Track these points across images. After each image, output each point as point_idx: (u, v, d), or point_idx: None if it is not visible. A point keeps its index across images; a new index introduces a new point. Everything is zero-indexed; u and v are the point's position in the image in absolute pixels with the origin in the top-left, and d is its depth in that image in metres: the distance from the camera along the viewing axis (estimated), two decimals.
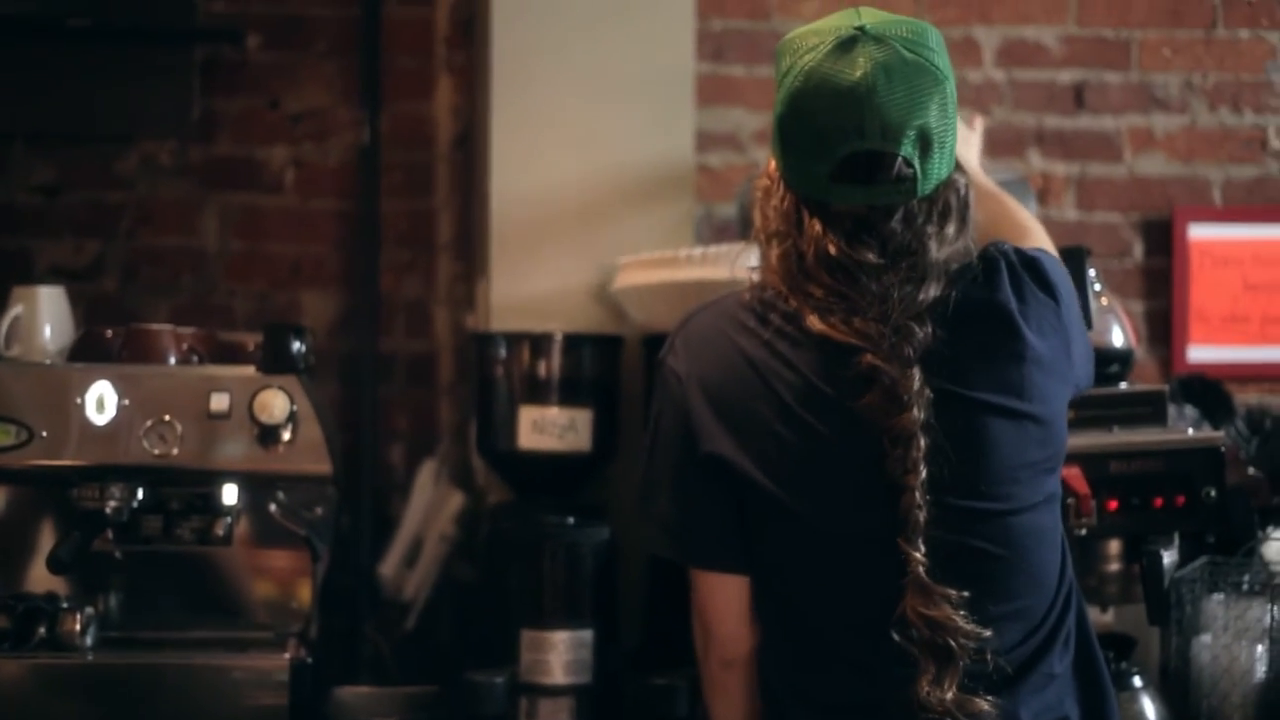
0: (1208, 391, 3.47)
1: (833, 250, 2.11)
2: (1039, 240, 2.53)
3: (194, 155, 3.90)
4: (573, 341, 3.29)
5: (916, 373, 2.06)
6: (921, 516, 2.04)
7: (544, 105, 3.50)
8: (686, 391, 2.18)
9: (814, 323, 2.11)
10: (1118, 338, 3.05)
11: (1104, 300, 3.06)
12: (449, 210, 3.93)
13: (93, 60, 3.81)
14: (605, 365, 3.33)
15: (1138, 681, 2.89)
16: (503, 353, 3.29)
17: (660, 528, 2.24)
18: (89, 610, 2.85)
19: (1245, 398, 3.79)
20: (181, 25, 3.85)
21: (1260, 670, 2.85)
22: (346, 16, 3.91)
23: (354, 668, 3.61)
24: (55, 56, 3.80)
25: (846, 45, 2.09)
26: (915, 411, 2.04)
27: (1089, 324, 2.92)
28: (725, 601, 2.23)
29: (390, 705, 3.22)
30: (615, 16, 3.52)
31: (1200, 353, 3.91)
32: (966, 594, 2.04)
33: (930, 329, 2.08)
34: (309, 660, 2.83)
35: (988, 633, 2.05)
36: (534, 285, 3.47)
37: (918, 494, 2.04)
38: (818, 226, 2.12)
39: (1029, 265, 2.20)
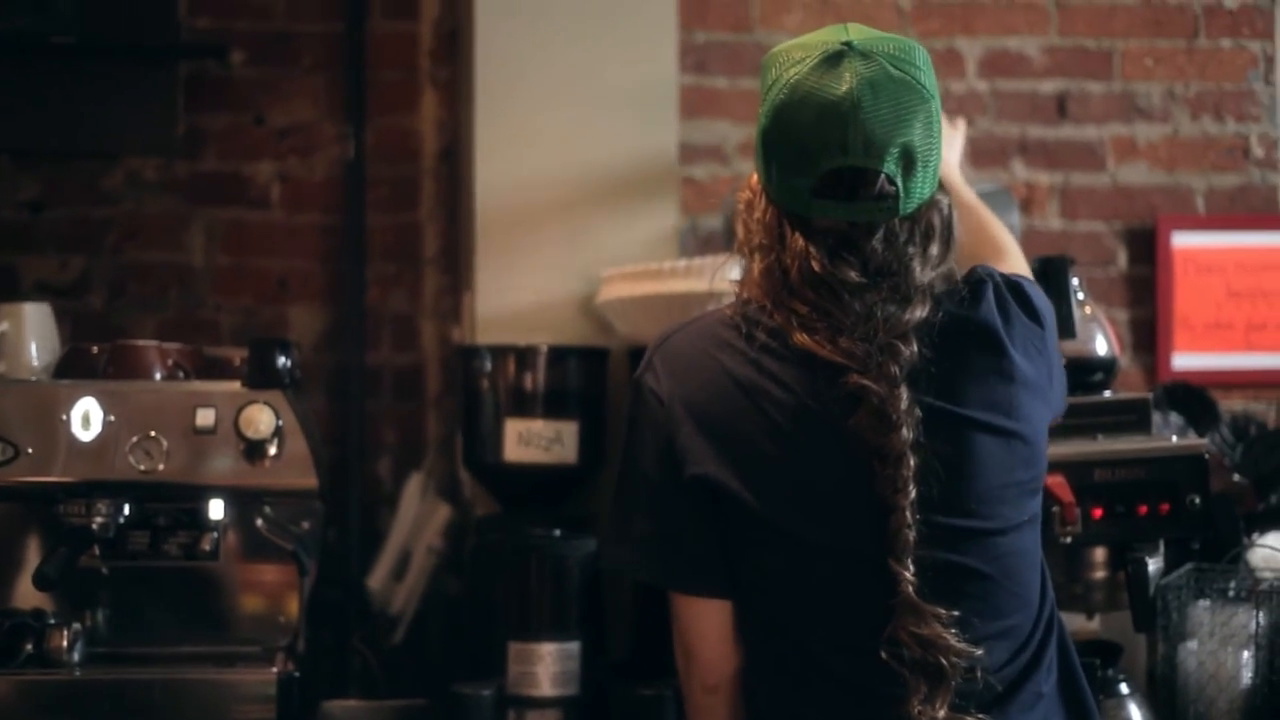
0: (1192, 399, 3.48)
1: (816, 267, 2.09)
2: (1016, 258, 2.55)
3: (179, 171, 3.90)
4: (558, 354, 3.30)
5: (904, 392, 2.03)
6: (911, 536, 2.02)
7: (528, 118, 3.51)
8: (671, 413, 2.14)
9: (800, 339, 2.08)
10: (1101, 346, 3.06)
11: (1087, 309, 3.07)
12: (434, 224, 3.93)
13: (77, 77, 3.82)
14: (591, 377, 3.33)
15: (1124, 688, 2.90)
16: (488, 365, 3.30)
17: (640, 552, 2.19)
18: (76, 626, 2.85)
19: (1230, 404, 3.80)
20: (166, 42, 3.85)
21: (1246, 676, 2.86)
22: (331, 31, 3.92)
23: (342, 681, 3.61)
24: (40, 73, 3.80)
25: (833, 60, 2.07)
26: (904, 431, 2.02)
27: (1072, 333, 2.95)
28: (708, 626, 2.19)
29: (378, 719, 3.22)
30: (598, 29, 3.53)
31: (1185, 360, 3.92)
32: (956, 613, 2.02)
33: (916, 348, 2.07)
34: (296, 674, 2.83)
35: (979, 651, 2.04)
36: (519, 298, 3.48)
37: (907, 513, 2.02)
38: (800, 242, 2.10)
39: (1014, 290, 2.19)
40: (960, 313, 2.12)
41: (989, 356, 2.11)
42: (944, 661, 2.01)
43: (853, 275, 2.09)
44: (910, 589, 2.01)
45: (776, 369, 2.09)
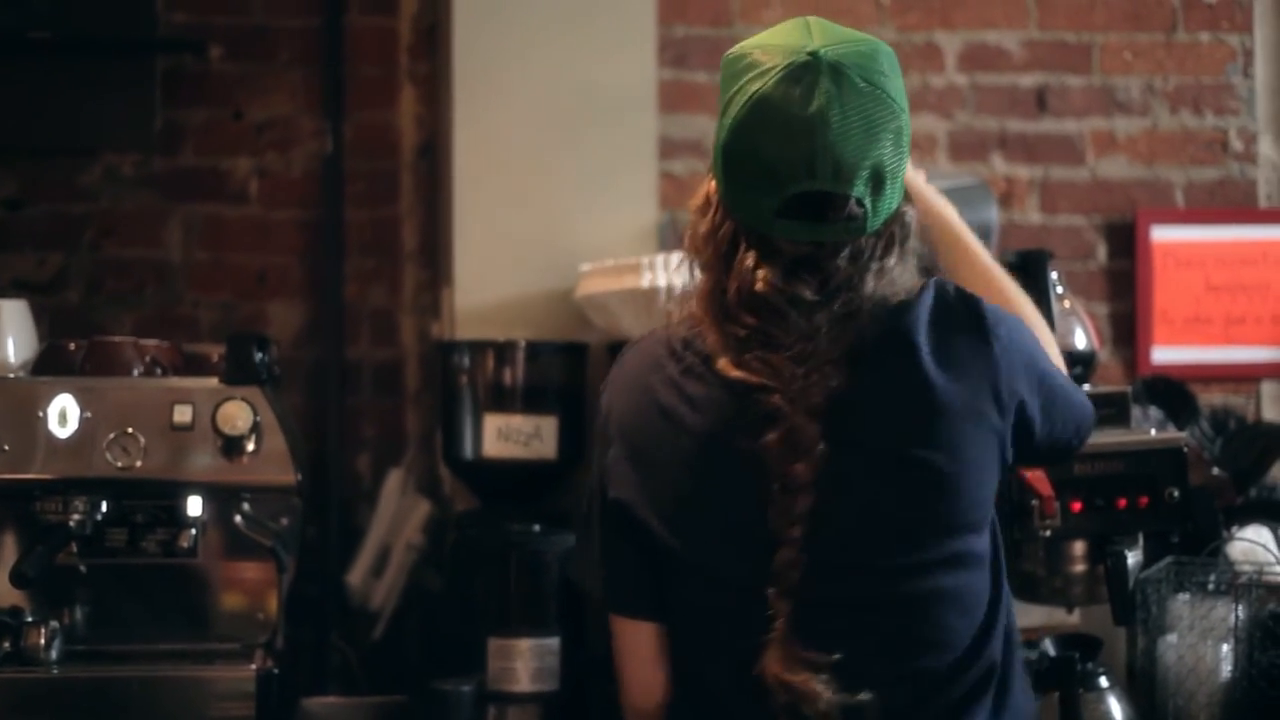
0: (1171, 392, 3.49)
1: (761, 287, 2.00)
2: (1024, 308, 2.36)
3: (157, 166, 3.89)
4: (537, 349, 3.30)
5: (818, 424, 1.95)
6: (796, 574, 1.95)
7: (506, 113, 3.51)
8: (607, 432, 2.13)
9: (725, 365, 2.01)
10: (1080, 340, 3.06)
11: (1066, 303, 3.07)
12: (413, 219, 3.92)
13: (54, 72, 3.80)
14: (570, 373, 3.33)
15: (1104, 682, 2.90)
16: (467, 361, 3.30)
17: (589, 567, 2.19)
18: (54, 624, 2.83)
19: (1209, 398, 3.81)
20: (143, 36, 3.84)
21: (1225, 669, 2.87)
22: (308, 26, 3.91)
23: (322, 678, 3.61)
24: (16, 69, 3.79)
25: (799, 73, 1.96)
26: (810, 463, 1.95)
27: (1051, 327, 2.94)
28: (635, 646, 2.17)
29: (358, 715, 3.22)
30: (577, 24, 3.53)
31: (1164, 354, 3.93)
32: (837, 656, 1.94)
33: (845, 373, 1.98)
34: (275, 671, 2.82)
35: (863, 696, 1.95)
36: (498, 293, 3.48)
37: (796, 549, 1.95)
38: (750, 261, 2.02)
39: (964, 302, 2.08)
40: (891, 328, 2.03)
41: (907, 377, 2.01)
42: (809, 713, 1.94)
43: (807, 294, 2.01)
44: (784, 630, 1.95)
45: (697, 393, 2.04)
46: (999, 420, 2.04)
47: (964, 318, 2.06)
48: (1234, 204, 4.00)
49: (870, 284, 2.02)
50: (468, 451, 3.28)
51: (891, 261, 2.05)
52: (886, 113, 1.99)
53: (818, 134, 1.95)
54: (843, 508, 1.97)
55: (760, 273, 2.01)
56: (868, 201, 1.99)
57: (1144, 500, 2.81)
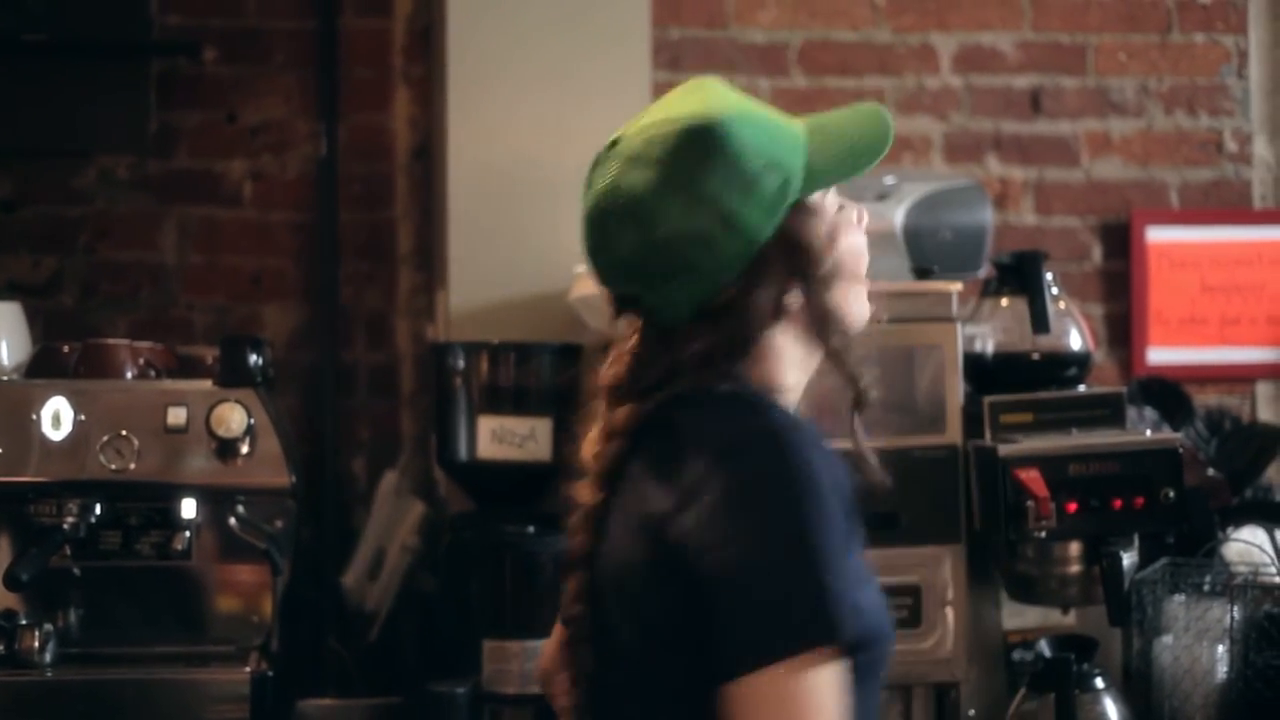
0: (1167, 393, 3.49)
1: (597, 374, 1.96)
2: None
3: (152, 169, 3.88)
4: (531, 351, 3.29)
5: (593, 503, 1.88)
6: (580, 652, 1.87)
7: (501, 116, 3.51)
8: None
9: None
10: (1075, 341, 3.07)
11: (1062, 304, 3.08)
12: (408, 221, 3.92)
13: (49, 75, 3.79)
14: (564, 374, 3.32)
15: (1100, 683, 2.89)
16: (461, 363, 3.29)
17: None
18: (48, 627, 2.84)
19: (1205, 399, 3.81)
20: (137, 39, 3.83)
21: (1221, 670, 2.86)
22: (303, 29, 3.90)
23: (318, 680, 3.59)
24: (10, 71, 3.78)
25: (593, 165, 1.90)
26: (584, 538, 1.87)
27: (1046, 328, 2.95)
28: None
29: (354, 717, 3.22)
30: (571, 25, 3.53)
31: (1160, 354, 3.93)
32: None
33: (615, 456, 1.87)
34: (270, 673, 2.82)
35: None
36: (493, 295, 3.47)
37: (575, 627, 1.88)
38: (611, 341, 1.99)
39: (731, 411, 1.83)
40: (662, 418, 1.85)
41: (641, 471, 1.85)
42: None
43: (623, 377, 1.92)
44: (572, 711, 1.93)
45: None
46: (676, 562, 1.76)
47: (713, 427, 1.82)
48: (1229, 205, 4.00)
49: (657, 373, 1.87)
50: (462, 453, 3.27)
51: (699, 347, 1.85)
52: (635, 203, 1.83)
53: (585, 231, 1.88)
54: (606, 594, 1.87)
55: (601, 355, 1.99)
56: (649, 295, 1.86)
57: (1139, 501, 2.82)
